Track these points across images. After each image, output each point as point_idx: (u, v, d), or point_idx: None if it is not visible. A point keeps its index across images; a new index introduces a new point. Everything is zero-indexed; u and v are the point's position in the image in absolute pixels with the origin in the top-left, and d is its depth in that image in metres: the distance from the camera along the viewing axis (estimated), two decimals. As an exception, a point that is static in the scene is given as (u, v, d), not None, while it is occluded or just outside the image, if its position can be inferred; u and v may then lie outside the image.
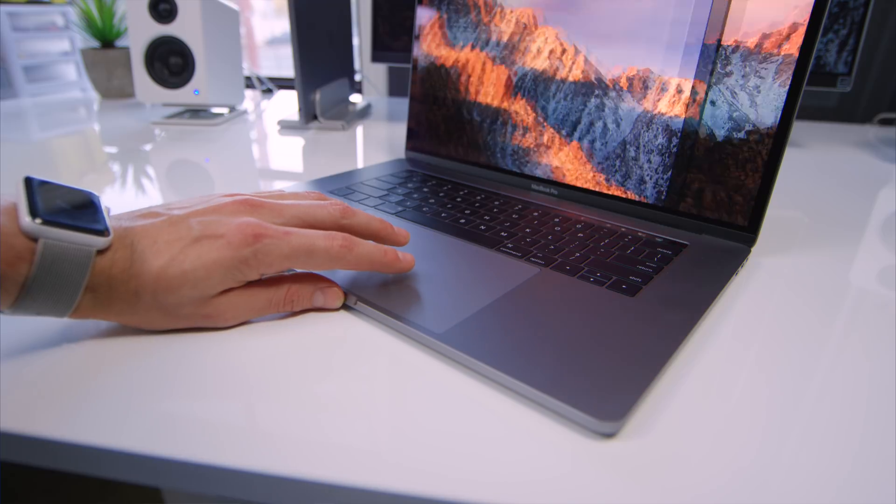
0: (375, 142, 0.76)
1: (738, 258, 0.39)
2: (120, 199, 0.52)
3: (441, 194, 0.50)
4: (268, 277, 0.31)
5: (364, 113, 0.95)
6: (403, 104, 1.08)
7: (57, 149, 0.69)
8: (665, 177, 0.44)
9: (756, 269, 0.40)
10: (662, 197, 0.44)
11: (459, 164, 0.58)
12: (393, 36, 0.91)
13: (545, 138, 0.51)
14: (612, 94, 0.46)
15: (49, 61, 2.00)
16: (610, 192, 0.47)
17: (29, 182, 0.26)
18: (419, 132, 0.61)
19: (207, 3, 0.80)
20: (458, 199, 0.49)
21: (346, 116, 0.86)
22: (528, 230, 0.42)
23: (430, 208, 0.47)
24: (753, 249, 0.42)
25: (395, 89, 1.29)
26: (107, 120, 0.87)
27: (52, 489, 0.82)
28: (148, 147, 0.71)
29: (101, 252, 0.26)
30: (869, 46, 0.98)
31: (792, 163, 0.71)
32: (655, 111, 0.44)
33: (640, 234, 0.43)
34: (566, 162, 0.49)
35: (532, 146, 0.52)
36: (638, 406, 0.25)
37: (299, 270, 0.34)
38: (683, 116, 0.42)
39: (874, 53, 0.99)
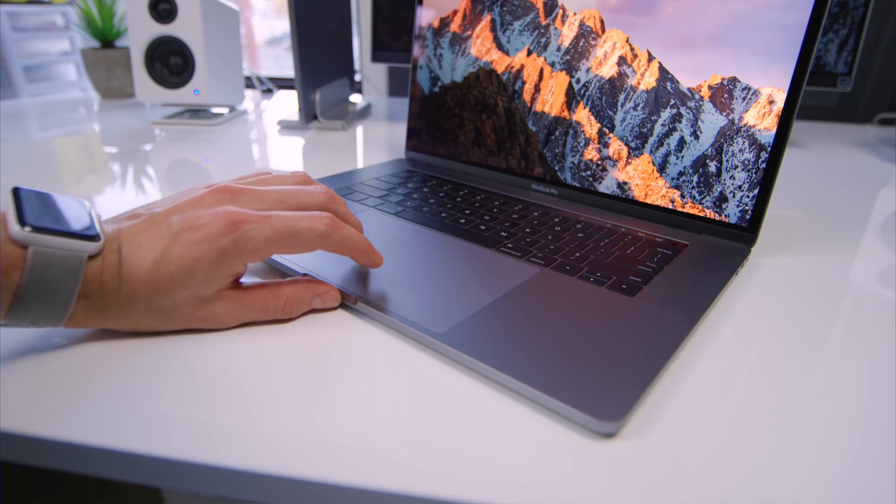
0: (375, 142, 0.76)
1: (738, 258, 0.39)
2: (120, 200, 0.52)
3: (441, 194, 0.50)
4: (266, 284, 0.31)
5: (364, 113, 0.95)
6: (403, 104, 1.08)
7: (57, 149, 0.69)
8: (750, 195, 0.40)
9: (756, 269, 0.40)
10: (747, 217, 0.41)
11: (459, 164, 0.58)
12: (393, 36, 0.91)
13: (611, 151, 0.47)
14: (692, 103, 0.42)
15: (49, 61, 2.00)
16: (671, 208, 0.44)
17: (17, 192, 0.26)
18: (419, 132, 0.61)
19: (207, 3, 0.80)
20: (458, 199, 0.49)
21: (346, 116, 0.86)
22: (528, 230, 0.42)
23: (430, 208, 0.47)
24: (753, 249, 0.42)
25: (395, 89, 1.29)
26: (107, 120, 0.87)
27: (52, 489, 0.82)
28: (148, 147, 0.71)
29: (92, 258, 0.26)
30: (869, 46, 0.98)
31: (792, 163, 0.71)
32: (742, 123, 0.40)
33: (640, 234, 0.43)
34: (634, 177, 0.45)
35: (596, 159, 0.47)
36: (638, 406, 0.25)
37: (299, 274, 0.34)
38: (774, 129, 0.39)
39: (874, 53, 0.99)
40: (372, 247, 0.32)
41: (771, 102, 0.39)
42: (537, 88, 0.51)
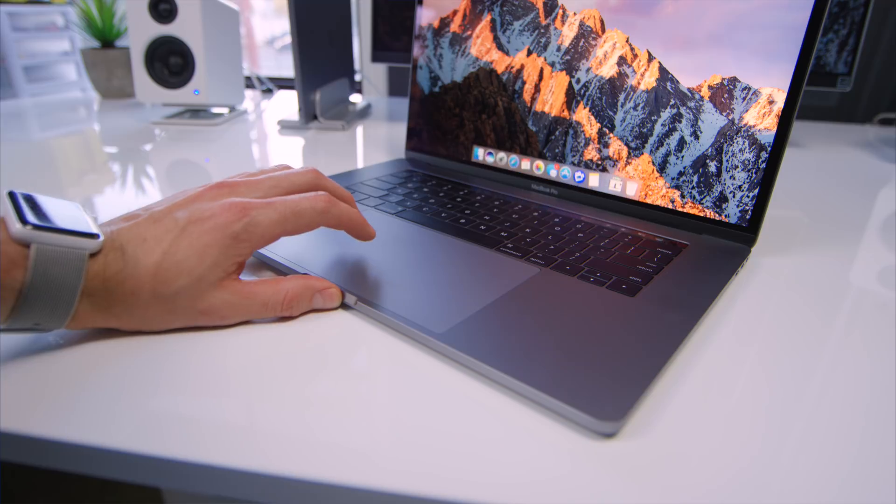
0: (375, 142, 0.76)
1: (738, 258, 0.39)
2: (120, 200, 0.52)
3: (441, 194, 0.50)
4: (266, 280, 0.31)
5: (364, 113, 0.95)
6: (403, 104, 1.08)
7: (57, 149, 0.69)
8: (750, 195, 0.40)
9: (756, 269, 0.40)
10: (747, 217, 0.41)
11: (459, 163, 0.58)
12: (393, 36, 0.91)
13: (611, 151, 0.47)
14: (692, 103, 0.42)
15: (49, 61, 1.99)
16: (674, 208, 0.44)
17: (13, 195, 0.26)
18: (419, 132, 0.61)
19: (207, 3, 0.80)
20: (458, 199, 0.49)
21: (346, 116, 0.86)
22: (528, 230, 0.42)
23: (430, 208, 0.47)
24: (753, 249, 0.42)
25: (395, 89, 1.29)
26: (107, 120, 0.87)
27: (52, 489, 0.82)
28: (148, 147, 0.71)
29: (93, 256, 0.26)
30: (869, 46, 0.98)
31: (792, 163, 0.71)
32: (742, 123, 0.40)
33: (640, 234, 0.43)
34: (634, 177, 0.46)
35: (596, 159, 0.47)
36: (638, 406, 0.25)
37: (299, 272, 0.34)
38: (774, 129, 0.39)
39: (874, 53, 0.99)
40: (365, 220, 0.34)
41: (771, 102, 0.39)
42: (537, 88, 0.51)
